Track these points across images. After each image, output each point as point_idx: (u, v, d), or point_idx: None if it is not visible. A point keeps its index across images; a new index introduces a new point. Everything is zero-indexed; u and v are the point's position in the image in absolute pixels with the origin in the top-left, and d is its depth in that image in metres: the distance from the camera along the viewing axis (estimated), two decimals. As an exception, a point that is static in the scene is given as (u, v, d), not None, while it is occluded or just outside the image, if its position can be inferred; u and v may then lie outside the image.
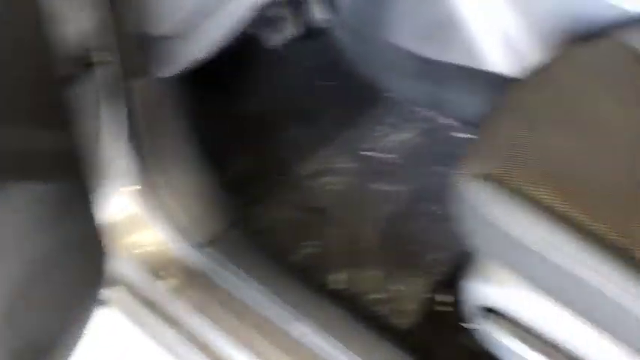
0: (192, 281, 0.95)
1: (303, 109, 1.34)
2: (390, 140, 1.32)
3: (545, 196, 0.72)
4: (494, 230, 0.74)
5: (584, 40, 1.00)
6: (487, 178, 0.75)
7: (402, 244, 1.09)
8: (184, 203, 0.96)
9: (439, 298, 1.01)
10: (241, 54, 1.34)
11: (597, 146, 0.79)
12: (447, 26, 1.24)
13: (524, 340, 0.78)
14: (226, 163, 1.19)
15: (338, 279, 1.03)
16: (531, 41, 1.15)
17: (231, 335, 0.95)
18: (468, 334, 0.89)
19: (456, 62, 1.27)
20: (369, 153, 1.29)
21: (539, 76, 0.92)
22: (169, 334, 0.96)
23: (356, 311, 0.97)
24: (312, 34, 1.41)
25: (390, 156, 1.27)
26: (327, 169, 1.24)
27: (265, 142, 1.26)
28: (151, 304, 0.98)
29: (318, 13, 1.37)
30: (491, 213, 0.73)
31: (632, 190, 0.74)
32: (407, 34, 1.31)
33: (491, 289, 0.80)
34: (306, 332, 0.91)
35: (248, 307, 0.93)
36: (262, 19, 1.26)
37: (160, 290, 0.96)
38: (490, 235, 0.75)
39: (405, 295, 1.02)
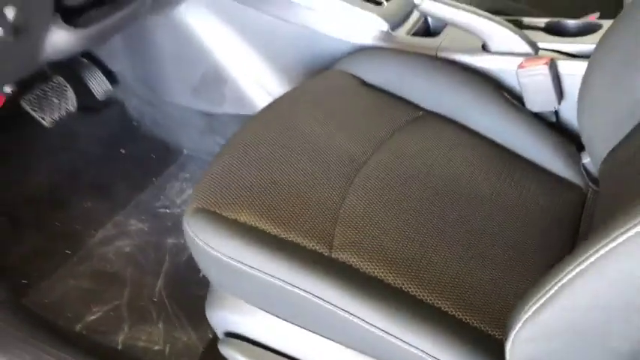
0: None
1: (94, 181, 1.36)
2: (186, 194, 1.37)
3: (250, 220, 0.79)
4: (209, 258, 0.79)
5: (319, 73, 1.11)
6: (199, 211, 0.81)
7: (189, 291, 1.12)
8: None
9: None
10: (20, 133, 1.36)
11: (303, 171, 0.85)
12: (216, 81, 1.33)
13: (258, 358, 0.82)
14: (10, 245, 1.19)
15: (119, 339, 1.05)
16: (282, 84, 1.25)
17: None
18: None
19: (231, 112, 1.35)
20: (162, 210, 1.33)
21: (265, 112, 1.00)
22: None
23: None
24: (98, 106, 1.46)
25: (183, 209, 1.32)
26: (120, 233, 1.26)
27: (55, 218, 1.27)
28: None
29: (98, 87, 1.42)
30: (205, 241, 0.79)
31: (331, 202, 0.82)
32: (184, 93, 1.38)
33: (226, 314, 0.84)
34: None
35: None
36: (33, 99, 1.29)
37: None
38: (208, 263, 0.80)
39: (189, 341, 1.04)
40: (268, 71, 1.26)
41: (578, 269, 0.51)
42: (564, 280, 0.52)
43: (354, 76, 1.08)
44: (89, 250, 1.22)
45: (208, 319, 0.87)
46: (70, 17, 0.97)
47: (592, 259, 0.49)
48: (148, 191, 1.37)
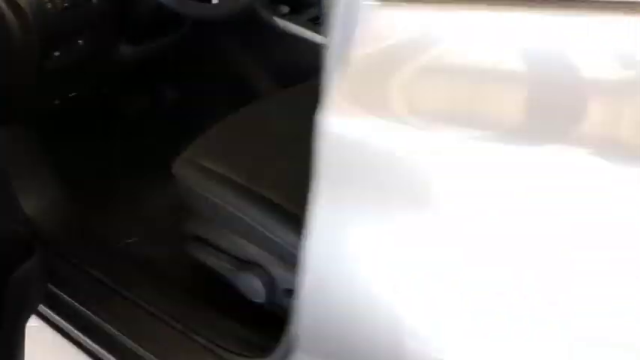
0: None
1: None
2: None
3: (210, 165, 1.27)
4: (183, 185, 1.28)
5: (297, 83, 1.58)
6: (181, 158, 1.30)
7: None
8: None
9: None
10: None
11: (265, 145, 1.33)
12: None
13: (215, 257, 1.31)
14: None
15: (144, 252, 1.55)
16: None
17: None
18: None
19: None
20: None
21: (250, 107, 1.49)
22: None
23: (151, 270, 1.49)
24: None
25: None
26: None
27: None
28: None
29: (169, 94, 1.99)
30: (181, 173, 1.28)
31: (282, 164, 1.28)
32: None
33: (196, 226, 1.33)
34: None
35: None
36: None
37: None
38: (182, 188, 1.29)
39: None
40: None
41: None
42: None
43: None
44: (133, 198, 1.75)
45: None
46: (132, 38, 1.51)
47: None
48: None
